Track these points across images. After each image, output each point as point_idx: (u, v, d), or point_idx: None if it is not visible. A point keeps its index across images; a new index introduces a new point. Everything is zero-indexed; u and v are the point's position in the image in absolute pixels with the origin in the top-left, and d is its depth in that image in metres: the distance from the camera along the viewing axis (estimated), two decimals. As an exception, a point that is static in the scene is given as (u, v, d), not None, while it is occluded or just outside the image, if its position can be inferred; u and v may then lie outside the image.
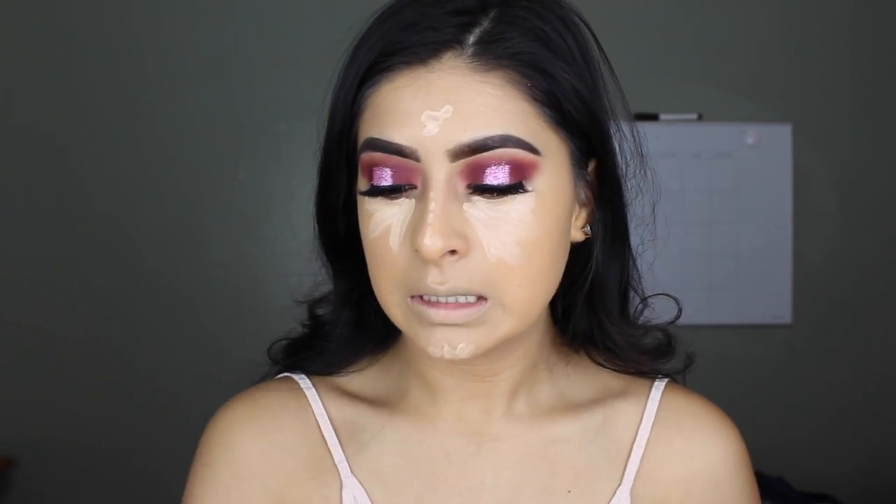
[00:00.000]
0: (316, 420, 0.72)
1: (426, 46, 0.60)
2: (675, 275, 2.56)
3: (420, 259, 0.60)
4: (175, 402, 2.49)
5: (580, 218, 0.68)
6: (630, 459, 0.72)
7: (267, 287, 2.51)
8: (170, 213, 2.54)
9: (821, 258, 2.59)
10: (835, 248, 2.61)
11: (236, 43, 2.54)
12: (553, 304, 0.72)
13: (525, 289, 0.62)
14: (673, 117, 2.57)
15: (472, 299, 0.61)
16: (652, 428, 0.73)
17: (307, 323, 0.77)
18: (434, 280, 0.60)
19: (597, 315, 0.72)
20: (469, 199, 0.60)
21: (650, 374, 0.76)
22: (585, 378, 0.75)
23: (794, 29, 2.60)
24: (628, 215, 0.71)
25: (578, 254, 0.69)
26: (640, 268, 0.74)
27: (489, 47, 0.60)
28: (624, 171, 0.69)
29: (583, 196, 0.68)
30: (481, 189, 0.60)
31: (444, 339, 0.61)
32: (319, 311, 0.76)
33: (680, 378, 0.80)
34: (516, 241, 0.60)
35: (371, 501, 0.70)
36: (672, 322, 0.78)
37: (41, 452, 2.52)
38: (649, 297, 0.75)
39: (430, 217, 0.58)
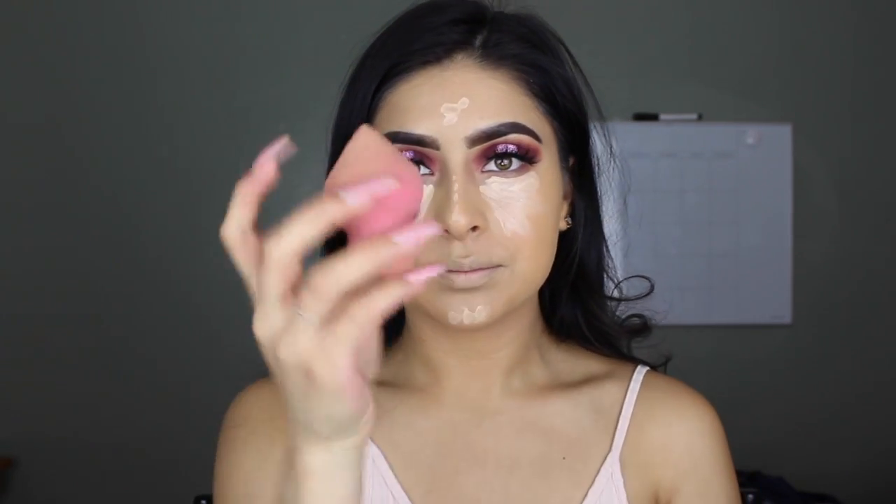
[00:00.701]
0: None
1: (440, 48, 0.69)
2: (675, 275, 2.57)
3: (444, 238, 0.67)
4: (176, 401, 2.50)
5: (563, 208, 0.77)
6: (617, 430, 0.79)
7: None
8: (170, 213, 2.54)
9: (821, 258, 2.59)
10: (835, 248, 2.61)
11: (236, 43, 2.55)
12: (541, 294, 0.81)
13: (532, 258, 0.70)
14: (673, 117, 2.57)
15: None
16: (636, 403, 0.81)
17: None
18: (459, 254, 0.67)
19: (581, 299, 0.81)
20: (484, 181, 0.68)
21: (633, 361, 0.85)
22: (574, 362, 0.84)
23: (794, 29, 2.60)
24: (602, 206, 0.80)
25: (561, 243, 0.76)
26: (612, 255, 0.83)
27: (494, 49, 0.70)
28: (597, 166, 0.79)
29: (565, 187, 0.76)
30: (497, 162, 0.68)
31: (464, 304, 0.68)
32: None
33: (661, 370, 0.88)
34: (527, 216, 0.69)
35: (388, 463, 0.78)
36: (647, 294, 0.86)
37: (41, 452, 2.52)
38: (623, 280, 0.84)
39: (456, 196, 0.66)
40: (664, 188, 2.57)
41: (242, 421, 0.80)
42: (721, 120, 2.59)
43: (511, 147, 0.68)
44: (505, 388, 0.79)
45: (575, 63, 0.76)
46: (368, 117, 0.71)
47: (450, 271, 0.68)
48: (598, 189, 0.79)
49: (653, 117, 2.57)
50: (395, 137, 0.68)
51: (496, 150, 0.68)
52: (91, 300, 2.53)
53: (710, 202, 2.59)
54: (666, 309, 0.85)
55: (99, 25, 2.52)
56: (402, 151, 0.67)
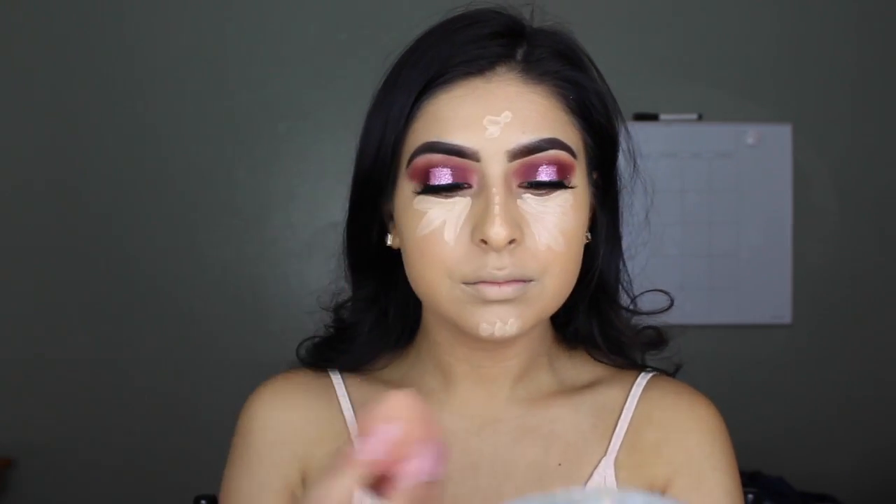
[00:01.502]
0: (338, 400, 0.82)
1: (483, 60, 0.69)
2: (675, 275, 2.57)
3: (480, 249, 0.68)
4: (174, 402, 2.49)
5: (586, 223, 0.77)
6: (615, 433, 0.79)
7: (267, 287, 2.51)
8: (170, 214, 2.54)
9: (821, 258, 2.59)
10: (835, 248, 2.61)
11: (236, 44, 2.55)
12: None
13: (563, 273, 0.71)
14: (673, 117, 2.57)
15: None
16: (636, 406, 0.81)
17: (331, 326, 0.85)
18: (495, 266, 0.68)
19: (600, 311, 0.81)
20: (521, 196, 0.69)
21: (640, 368, 0.85)
22: (582, 369, 0.84)
23: (793, 29, 2.60)
24: (621, 220, 0.82)
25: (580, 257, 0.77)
26: (629, 269, 0.84)
27: (535, 64, 0.71)
28: (619, 180, 0.80)
29: (590, 201, 0.76)
30: (533, 185, 0.69)
31: (496, 316, 0.69)
32: (343, 315, 0.84)
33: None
34: (561, 231, 0.70)
35: None
36: (666, 310, 0.86)
37: (40, 453, 2.52)
38: (640, 294, 0.85)
39: (496, 209, 0.67)
40: (664, 188, 2.56)
41: (246, 439, 0.82)
42: (721, 120, 2.59)
43: (551, 173, 0.69)
44: (511, 396, 0.80)
45: (603, 80, 0.77)
46: (405, 126, 0.71)
47: (483, 283, 0.69)
48: (620, 204, 0.80)
49: (653, 117, 2.57)
50: (435, 147, 0.68)
51: (536, 175, 0.69)
52: (90, 302, 2.53)
53: (710, 202, 2.59)
54: (678, 330, 0.86)
55: (97, 26, 2.52)
56: (440, 165, 0.68)
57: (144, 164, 2.54)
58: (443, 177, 0.69)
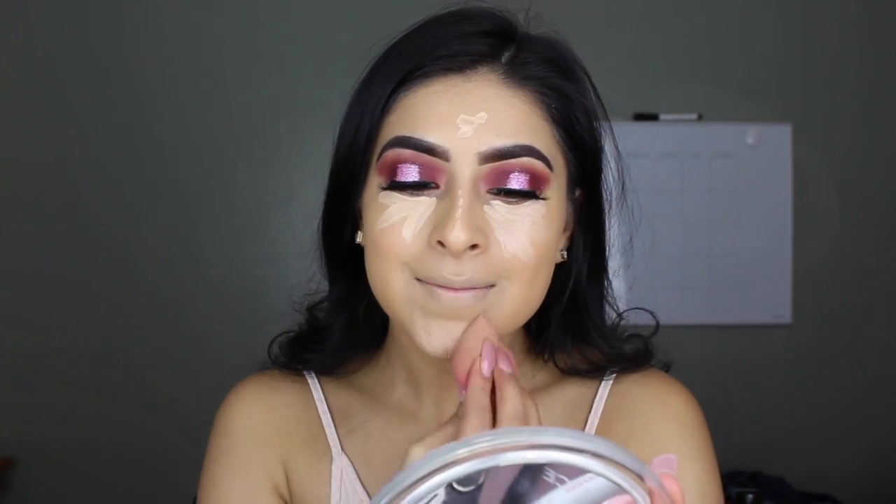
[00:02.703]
0: (315, 404, 0.82)
1: (465, 57, 0.66)
2: (675, 275, 2.57)
3: (437, 252, 0.65)
4: (174, 402, 2.49)
5: (560, 241, 0.73)
6: (586, 428, 0.78)
7: (267, 287, 2.51)
8: (170, 213, 2.54)
9: (821, 258, 2.59)
10: (835, 248, 2.61)
11: (236, 44, 2.55)
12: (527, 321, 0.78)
13: (528, 285, 0.68)
14: (673, 117, 2.57)
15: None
16: (606, 399, 0.79)
17: (304, 325, 0.83)
18: (451, 271, 0.65)
19: (573, 331, 0.78)
20: (489, 202, 0.66)
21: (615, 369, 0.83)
22: (553, 372, 0.81)
23: (794, 29, 2.60)
24: (608, 243, 0.78)
25: (556, 276, 0.74)
26: (614, 287, 0.81)
27: (519, 68, 0.67)
28: (607, 202, 0.76)
29: (567, 219, 0.73)
30: (503, 192, 0.66)
31: (447, 333, 0.66)
32: (318, 315, 0.83)
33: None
34: (530, 241, 0.66)
35: (357, 475, 0.78)
36: (652, 335, 0.83)
37: (40, 453, 2.52)
38: (625, 311, 0.82)
39: (459, 212, 0.63)
40: (664, 188, 2.57)
41: (230, 438, 0.80)
42: (721, 120, 2.59)
43: (523, 182, 0.65)
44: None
45: (597, 96, 0.74)
46: (380, 118, 0.68)
47: (438, 286, 0.65)
48: (606, 225, 0.76)
49: (653, 117, 2.57)
50: (405, 142, 0.65)
51: (507, 182, 0.65)
52: (90, 302, 2.53)
53: (710, 202, 2.59)
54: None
55: (97, 26, 2.52)
56: (409, 161, 0.65)
57: (145, 164, 2.54)
58: (410, 174, 0.66)
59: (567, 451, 0.45)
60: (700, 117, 2.59)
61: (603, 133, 0.74)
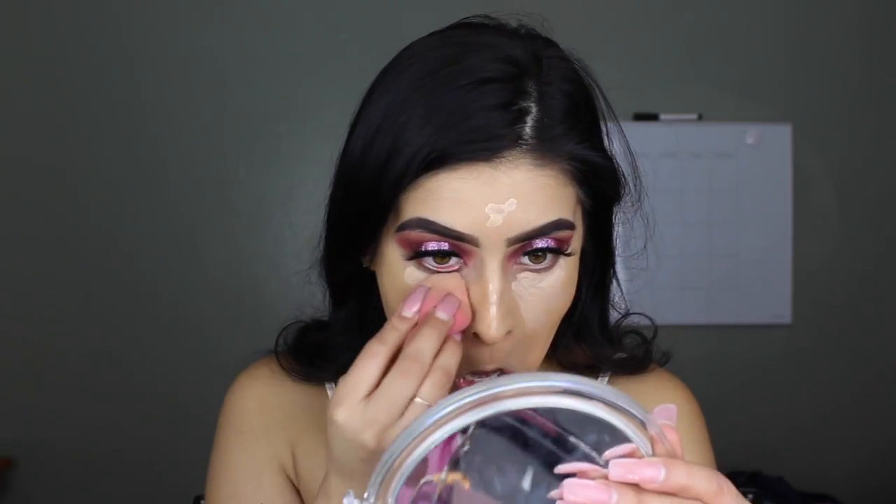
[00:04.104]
0: (325, 388, 0.82)
1: (489, 144, 0.62)
2: (675, 275, 2.57)
3: (471, 339, 0.65)
4: (174, 402, 2.50)
5: None
6: None
7: (267, 287, 2.51)
8: (170, 213, 2.54)
9: (821, 258, 2.59)
10: (835, 248, 2.61)
11: (237, 44, 2.55)
12: None
13: (541, 349, 0.70)
14: (673, 117, 2.57)
15: None
16: None
17: (312, 339, 0.83)
18: (484, 360, 0.67)
19: (580, 342, 0.80)
20: (515, 276, 0.66)
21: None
22: (551, 367, 0.82)
23: (793, 29, 2.60)
24: (614, 251, 0.77)
25: None
26: (622, 290, 0.82)
27: (547, 143, 0.64)
28: (615, 218, 0.75)
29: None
30: (529, 253, 0.65)
31: None
32: (326, 332, 0.82)
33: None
34: (546, 311, 0.67)
35: None
36: (652, 339, 0.84)
37: (40, 453, 2.52)
38: (625, 315, 0.83)
39: (493, 309, 0.64)
40: (664, 188, 2.57)
41: (240, 417, 0.82)
42: (721, 120, 2.59)
43: (550, 243, 0.65)
44: None
45: (608, 105, 0.73)
46: (395, 191, 0.65)
47: (465, 381, 0.67)
48: (614, 241, 0.76)
49: (653, 117, 2.57)
50: (430, 226, 0.63)
51: (533, 244, 0.65)
52: (90, 302, 2.53)
53: (710, 202, 2.59)
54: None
55: (98, 27, 2.52)
56: (435, 241, 0.64)
57: (145, 164, 2.54)
58: (439, 246, 0.65)
59: (572, 397, 0.46)
60: (700, 117, 2.59)
61: (621, 174, 0.73)
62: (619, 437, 0.47)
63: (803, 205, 2.59)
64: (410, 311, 0.63)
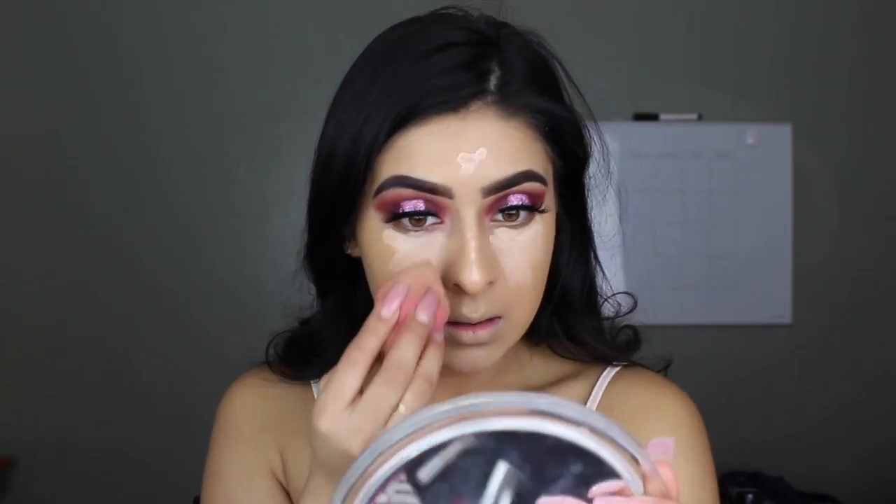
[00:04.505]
0: (313, 395, 0.83)
1: (456, 94, 0.65)
2: (675, 275, 2.57)
3: (452, 292, 0.66)
4: (175, 402, 2.50)
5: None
6: None
7: (267, 287, 2.51)
8: (170, 214, 2.54)
9: (821, 258, 2.59)
10: (835, 248, 2.61)
11: (237, 44, 2.55)
12: None
13: (531, 304, 0.71)
14: (673, 117, 2.57)
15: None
16: (600, 399, 0.80)
17: (298, 332, 0.84)
18: (469, 310, 0.67)
19: (562, 316, 0.80)
20: (493, 231, 0.67)
21: (607, 360, 0.83)
22: (547, 365, 0.83)
23: (793, 29, 2.60)
24: (592, 225, 0.78)
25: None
26: (602, 270, 0.81)
27: (511, 97, 0.67)
28: (587, 184, 0.76)
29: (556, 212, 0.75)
30: (504, 211, 0.67)
31: (470, 359, 0.70)
32: (314, 325, 0.83)
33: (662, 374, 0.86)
34: (530, 266, 0.68)
35: None
36: (628, 312, 0.84)
37: (40, 453, 2.52)
38: (610, 296, 0.83)
39: (473, 254, 0.65)
40: (664, 188, 2.57)
41: (232, 424, 0.84)
42: (721, 120, 2.59)
43: (523, 199, 0.67)
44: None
45: (570, 79, 0.74)
46: (373, 156, 0.67)
47: (456, 324, 0.68)
48: (589, 210, 0.77)
49: (653, 117, 2.57)
50: (405, 182, 0.65)
51: (507, 202, 0.67)
52: (91, 301, 2.53)
53: (710, 202, 2.59)
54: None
55: (98, 27, 2.52)
56: (412, 199, 0.66)
57: (145, 164, 2.54)
58: (414, 207, 0.66)
59: (559, 422, 0.43)
60: (700, 117, 2.59)
61: (586, 130, 0.74)
62: (606, 470, 0.44)
63: (803, 205, 2.59)
64: (389, 310, 0.63)
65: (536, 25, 0.74)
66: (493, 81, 0.67)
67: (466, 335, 0.68)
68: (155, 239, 2.54)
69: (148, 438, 2.51)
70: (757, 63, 2.59)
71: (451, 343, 0.68)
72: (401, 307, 0.63)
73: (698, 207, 2.58)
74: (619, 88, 2.48)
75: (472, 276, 0.64)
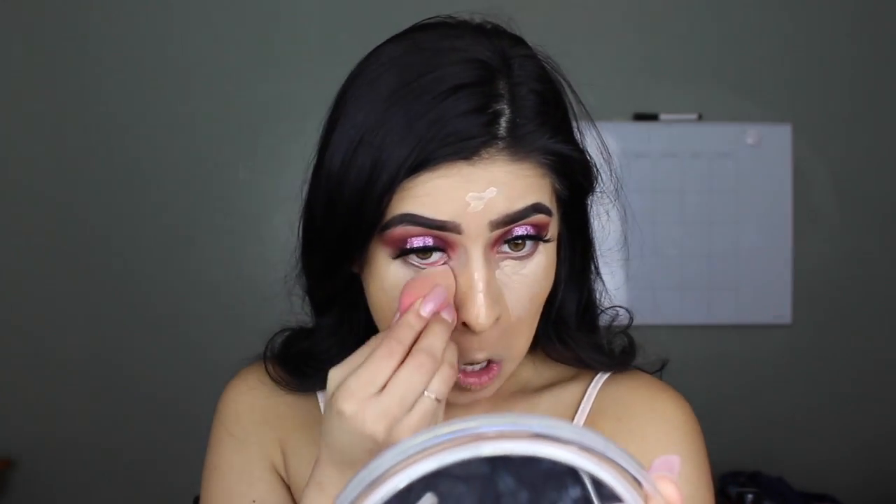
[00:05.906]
0: (314, 394, 0.84)
1: (468, 144, 0.64)
2: (675, 275, 2.57)
3: (459, 330, 0.66)
4: (174, 402, 2.50)
5: None
6: None
7: (267, 287, 2.51)
8: (170, 214, 2.54)
9: (821, 258, 2.59)
10: (835, 248, 2.61)
11: (237, 44, 2.55)
12: None
13: (528, 335, 0.72)
14: (673, 117, 2.57)
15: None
16: (593, 402, 0.81)
17: (297, 353, 0.84)
18: (477, 348, 0.68)
19: (557, 328, 0.80)
20: (498, 264, 0.68)
21: (600, 366, 0.83)
22: (542, 369, 0.84)
23: (793, 29, 2.60)
24: (594, 244, 0.79)
25: None
26: (602, 281, 0.81)
27: (521, 141, 0.66)
28: (590, 204, 0.76)
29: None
30: (509, 241, 0.67)
31: (474, 397, 0.71)
32: (313, 340, 0.83)
33: (658, 375, 0.86)
34: (529, 298, 0.69)
35: None
36: (626, 328, 0.84)
37: (40, 453, 2.52)
38: (605, 310, 0.83)
39: (480, 297, 0.65)
40: (664, 188, 2.57)
41: (232, 419, 0.84)
42: (721, 120, 2.59)
43: (528, 230, 0.67)
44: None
45: (579, 100, 0.74)
46: (382, 203, 0.66)
47: (465, 366, 0.69)
48: (591, 228, 0.77)
49: (653, 117, 2.57)
50: (413, 220, 0.65)
51: (513, 232, 0.67)
52: (90, 302, 2.53)
53: (710, 202, 2.59)
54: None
55: (98, 27, 2.52)
56: (420, 236, 0.66)
57: (145, 164, 2.54)
58: (423, 242, 0.66)
59: (554, 444, 0.41)
60: (700, 117, 2.59)
61: (593, 165, 0.74)
62: (606, 493, 0.42)
63: (803, 205, 2.59)
64: (427, 309, 0.64)
65: (537, 26, 0.73)
66: (503, 126, 0.66)
67: (472, 381, 0.69)
68: (154, 239, 2.54)
69: (148, 439, 2.51)
70: (757, 63, 2.59)
71: (455, 387, 0.68)
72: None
73: (698, 207, 2.58)
74: (619, 88, 2.48)
75: (481, 319, 0.65)
